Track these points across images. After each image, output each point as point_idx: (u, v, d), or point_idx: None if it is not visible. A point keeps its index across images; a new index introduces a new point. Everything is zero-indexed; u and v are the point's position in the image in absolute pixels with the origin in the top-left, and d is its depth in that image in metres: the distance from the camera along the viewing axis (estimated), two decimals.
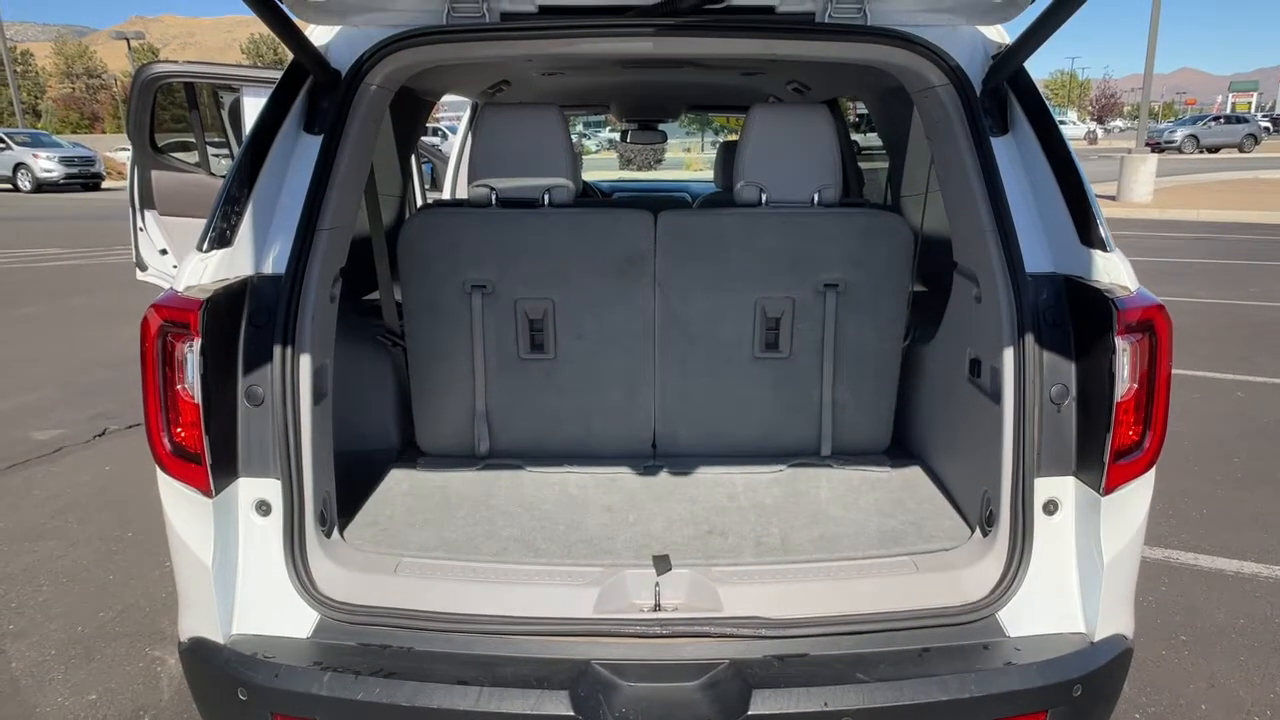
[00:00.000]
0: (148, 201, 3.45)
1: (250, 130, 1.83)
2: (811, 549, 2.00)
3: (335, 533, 1.93)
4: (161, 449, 1.65)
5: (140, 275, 3.59)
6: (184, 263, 1.73)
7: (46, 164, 26.35)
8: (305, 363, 1.75)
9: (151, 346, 1.62)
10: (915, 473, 2.43)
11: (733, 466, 2.45)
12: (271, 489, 1.72)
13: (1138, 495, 1.74)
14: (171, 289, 1.69)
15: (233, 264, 1.74)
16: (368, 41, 1.88)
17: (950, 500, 2.23)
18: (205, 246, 1.72)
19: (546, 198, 2.43)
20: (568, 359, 2.48)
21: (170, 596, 3.23)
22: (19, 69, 75.99)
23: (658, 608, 1.76)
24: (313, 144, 1.84)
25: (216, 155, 4.54)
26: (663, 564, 1.85)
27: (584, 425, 2.55)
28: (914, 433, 2.62)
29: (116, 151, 34.35)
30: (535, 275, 2.41)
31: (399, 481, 2.37)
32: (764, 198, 2.43)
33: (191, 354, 1.60)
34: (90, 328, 7.82)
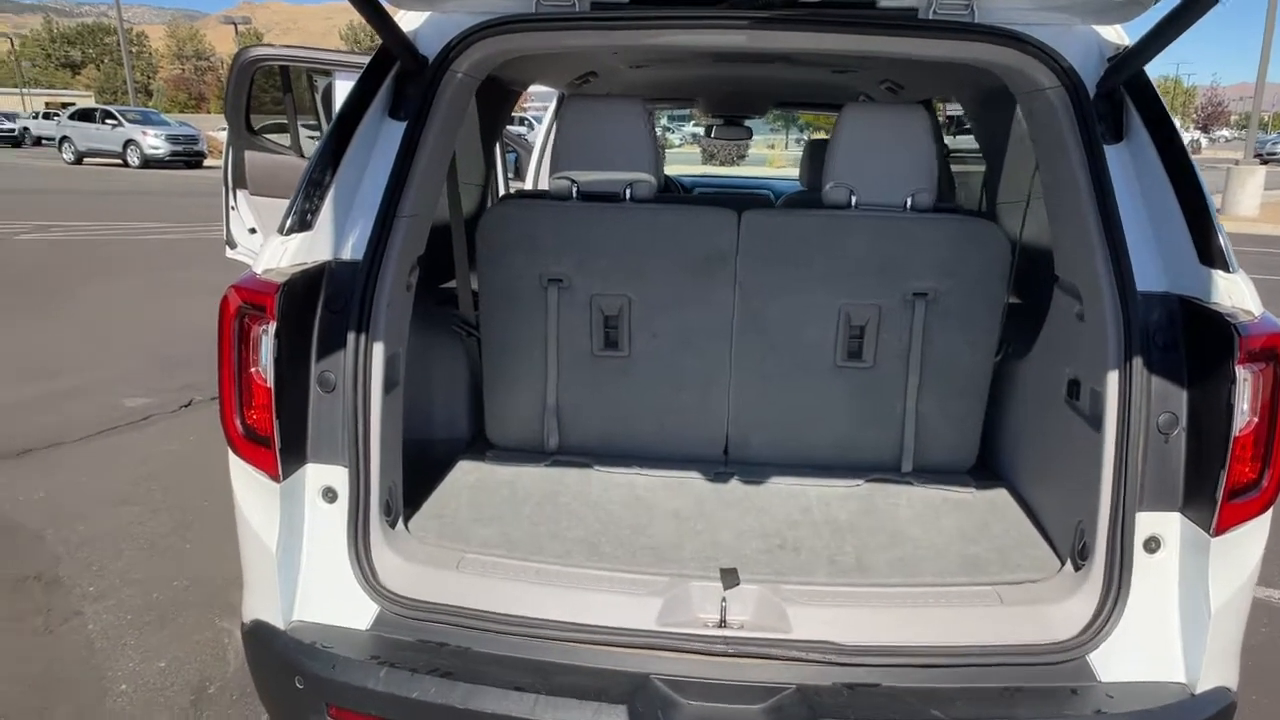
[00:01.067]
0: (240, 181, 3.54)
1: (336, 115, 1.83)
2: (889, 571, 1.90)
3: (400, 523, 1.91)
4: (233, 429, 1.66)
5: (230, 253, 3.69)
6: (264, 245, 1.73)
7: (154, 141, 27.66)
8: (378, 350, 1.73)
9: (228, 327, 1.62)
10: (1001, 495, 2.30)
11: (806, 478, 2.36)
12: (338, 476, 1.71)
13: (1252, 538, 1.60)
14: (251, 271, 1.70)
15: (312, 248, 1.73)
16: (456, 28, 1.85)
17: (1039, 528, 2.09)
18: (285, 230, 1.72)
19: (628, 192, 2.38)
20: (642, 358, 2.42)
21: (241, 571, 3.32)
22: (134, 50, 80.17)
23: (723, 624, 1.68)
24: (397, 130, 1.82)
25: (311, 138, 4.64)
26: (730, 578, 1.77)
27: (655, 426, 2.48)
28: (1001, 453, 2.48)
29: (218, 131, 35.92)
30: (613, 271, 2.36)
31: (466, 473, 2.35)
32: (854, 200, 2.31)
33: (266, 337, 1.60)
34: (184, 300, 8.14)
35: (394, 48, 1.78)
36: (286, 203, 3.90)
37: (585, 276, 2.37)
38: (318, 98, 4.18)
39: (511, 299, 2.40)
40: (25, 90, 75.16)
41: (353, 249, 1.74)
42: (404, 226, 1.80)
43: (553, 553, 1.93)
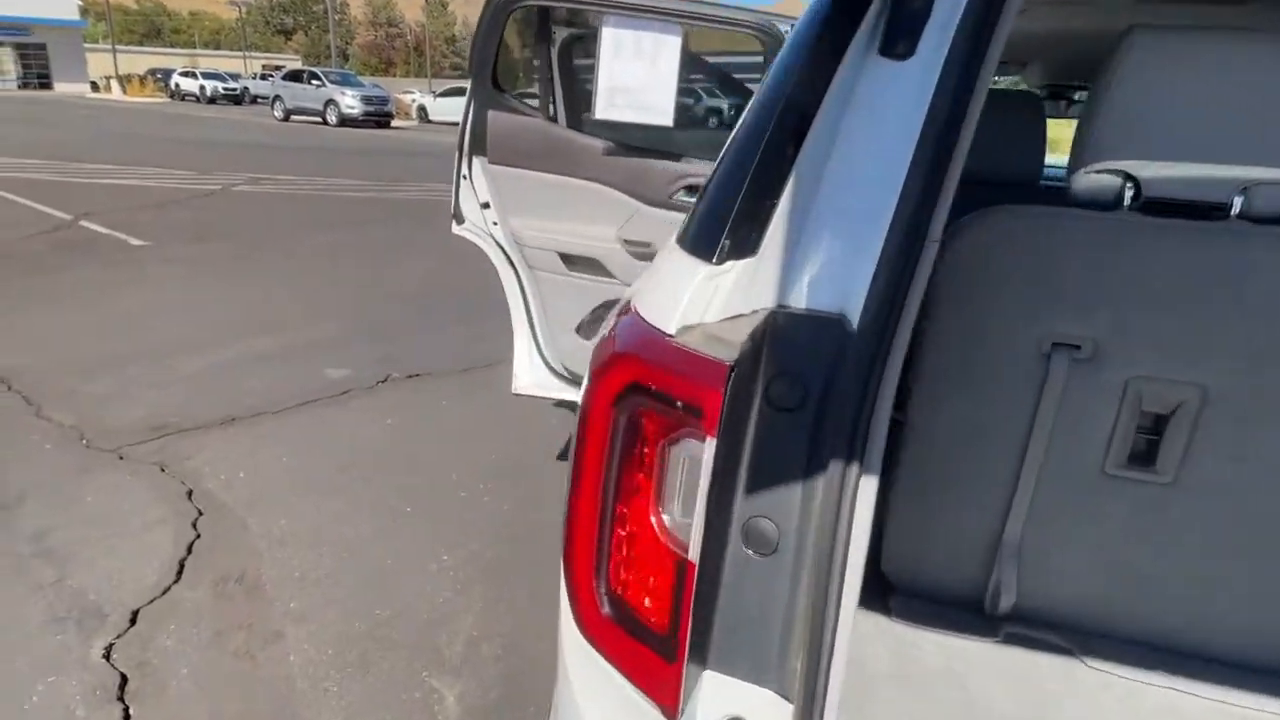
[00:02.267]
0: (478, 146, 3.04)
1: (780, 59, 1.06)
2: None
3: None
4: (588, 606, 0.95)
5: (456, 229, 3.22)
6: (667, 278, 1.00)
7: (350, 101, 29.22)
8: (867, 485, 0.91)
9: (599, 427, 0.92)
10: None
11: None
12: (764, 705, 0.94)
13: None
14: (649, 326, 0.95)
15: (751, 287, 0.95)
16: None
17: None
18: (717, 254, 0.96)
19: (1238, 203, 1.34)
20: (1197, 487, 1.44)
21: (448, 603, 2.88)
22: (337, 18, 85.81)
23: None
24: (903, 80, 0.97)
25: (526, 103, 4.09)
26: None
27: (1195, 604, 1.51)
28: None
29: (402, 94, 37.89)
30: (1181, 339, 1.38)
31: (870, 643, 1.49)
32: None
33: (689, 459, 0.89)
34: (380, 260, 8.08)
35: None
36: (522, 174, 3.16)
37: (1125, 344, 1.41)
38: (553, 52, 3.63)
39: (979, 368, 1.49)
40: (246, 54, 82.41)
41: (812, 292, 0.93)
42: (930, 256, 0.97)
43: None
